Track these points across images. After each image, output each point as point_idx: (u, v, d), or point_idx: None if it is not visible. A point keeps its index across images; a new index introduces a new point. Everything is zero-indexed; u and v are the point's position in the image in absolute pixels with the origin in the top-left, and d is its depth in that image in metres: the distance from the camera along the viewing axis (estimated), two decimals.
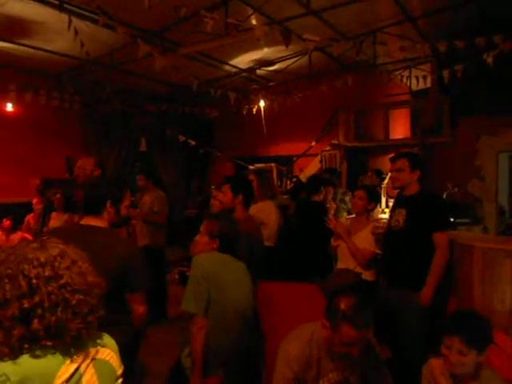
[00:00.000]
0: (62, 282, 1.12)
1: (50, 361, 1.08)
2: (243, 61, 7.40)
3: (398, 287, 2.84)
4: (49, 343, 1.07)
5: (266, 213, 3.52)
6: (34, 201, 5.89)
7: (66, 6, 4.30)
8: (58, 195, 5.22)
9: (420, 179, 2.92)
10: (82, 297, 1.15)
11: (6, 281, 1.09)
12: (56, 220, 5.26)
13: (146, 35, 5.62)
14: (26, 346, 1.06)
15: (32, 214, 5.88)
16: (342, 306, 1.78)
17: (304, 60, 7.04)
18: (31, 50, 6.32)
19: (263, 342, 2.32)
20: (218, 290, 2.05)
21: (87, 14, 4.70)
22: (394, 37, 5.63)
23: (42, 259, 1.13)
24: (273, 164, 7.30)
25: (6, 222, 6.13)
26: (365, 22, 5.88)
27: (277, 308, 2.48)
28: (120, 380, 1.27)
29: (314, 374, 1.83)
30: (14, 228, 6.27)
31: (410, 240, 2.78)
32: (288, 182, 7.33)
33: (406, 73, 6.93)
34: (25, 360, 1.05)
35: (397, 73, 7.08)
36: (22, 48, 6.17)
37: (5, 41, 5.86)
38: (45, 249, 1.17)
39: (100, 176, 2.65)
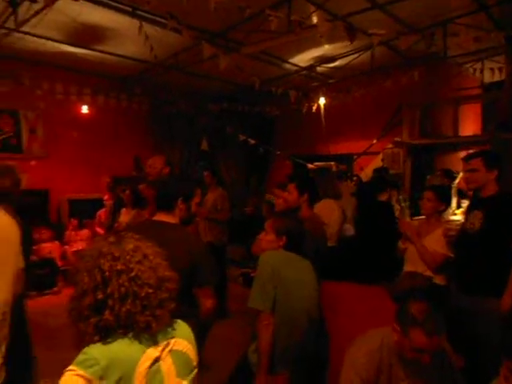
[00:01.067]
0: (131, 275, 1.18)
1: (132, 348, 1.13)
2: (303, 58, 7.34)
3: (472, 293, 2.67)
4: (120, 331, 1.13)
5: (327, 212, 3.46)
6: (105, 197, 6.28)
7: (137, 12, 4.50)
8: (126, 192, 5.53)
9: (498, 179, 2.72)
10: (151, 290, 1.19)
11: (85, 274, 1.17)
12: (125, 215, 5.56)
13: (210, 36, 5.77)
14: (101, 334, 1.13)
15: (103, 210, 6.28)
16: (413, 311, 1.72)
17: (366, 56, 6.84)
18: (104, 55, 6.71)
19: (328, 342, 2.29)
20: (285, 288, 2.05)
21: (156, 18, 4.91)
22: (467, 27, 5.29)
23: (116, 254, 1.19)
24: (332, 163, 7.18)
25: (74, 222, 6.60)
26: (433, 13, 5.58)
27: (342, 309, 2.43)
28: (195, 371, 1.30)
29: (384, 382, 1.77)
30: (80, 225, 6.75)
31: (488, 243, 2.60)
32: (348, 182, 7.17)
33: (478, 65, 6.49)
34: (112, 346, 1.11)
35: (468, 65, 6.66)
36: (95, 53, 6.58)
37: (81, 47, 6.28)
38: (120, 244, 1.24)
39: (171, 174, 2.75)
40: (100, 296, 1.14)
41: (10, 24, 4.98)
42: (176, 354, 1.23)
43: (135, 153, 8.07)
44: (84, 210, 6.70)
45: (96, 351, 1.10)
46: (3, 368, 1.52)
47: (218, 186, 5.27)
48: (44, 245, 6.19)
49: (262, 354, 2.03)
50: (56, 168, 6.97)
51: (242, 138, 7.72)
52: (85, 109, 7.25)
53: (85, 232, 6.65)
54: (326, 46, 6.80)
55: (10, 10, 4.55)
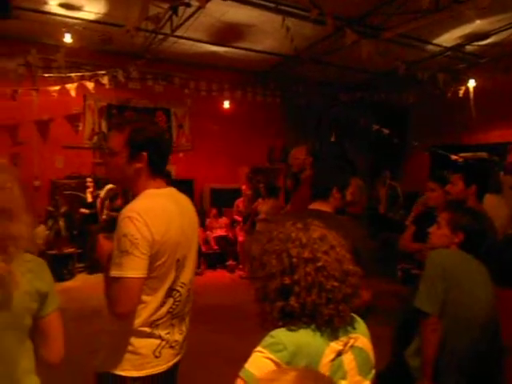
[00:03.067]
0: (318, 264, 1.14)
1: (317, 340, 1.11)
2: (449, 38, 6.63)
3: None
4: (304, 320, 1.11)
5: (492, 208, 3.06)
6: (243, 187, 6.63)
7: (280, 7, 4.58)
8: (261, 184, 5.80)
9: None
10: (336, 283, 1.15)
11: (274, 256, 1.17)
12: (263, 205, 5.80)
13: (348, 23, 5.59)
14: (285, 319, 1.12)
15: (241, 199, 6.64)
16: None
17: None
18: (242, 52, 7.03)
19: (504, 357, 2.01)
20: (457, 292, 1.86)
21: (297, 11, 4.94)
22: None
23: (304, 240, 1.17)
24: (484, 153, 6.37)
25: (213, 210, 7.08)
26: None
27: None
28: (373, 371, 1.24)
29: None
30: (220, 213, 7.20)
31: None
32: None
33: None
34: (298, 334, 1.11)
35: None
36: (235, 50, 6.94)
37: (223, 45, 6.68)
38: (307, 230, 1.21)
39: (324, 163, 2.71)
40: (287, 281, 1.14)
41: (166, 29, 5.52)
42: (357, 351, 1.19)
43: (269, 144, 8.35)
44: (223, 199, 7.17)
45: (283, 336, 1.11)
46: (185, 343, 1.67)
47: (355, 177, 5.10)
48: None
49: (427, 361, 1.87)
50: (199, 159, 7.60)
51: (375, 128, 7.37)
52: (225, 104, 7.73)
53: (223, 220, 7.14)
54: (478, 22, 6.04)
55: (167, 17, 5.03)
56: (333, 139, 8.03)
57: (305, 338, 1.12)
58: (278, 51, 6.91)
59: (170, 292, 1.53)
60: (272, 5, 4.59)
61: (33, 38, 5.87)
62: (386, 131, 7.33)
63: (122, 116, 6.37)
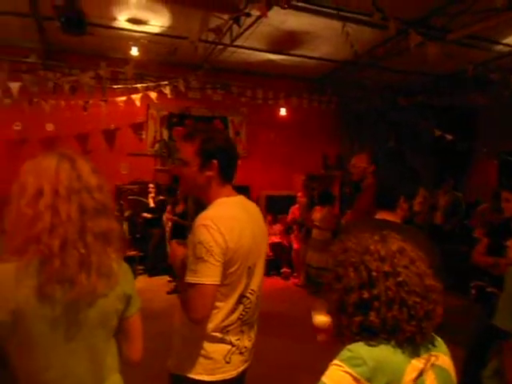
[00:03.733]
0: (399, 279, 1.10)
1: (398, 357, 1.07)
2: None
3: None
4: (384, 336, 1.07)
5: None
6: (299, 194, 6.60)
7: (341, 13, 4.53)
8: (315, 190, 5.75)
9: None
10: (418, 299, 1.10)
11: (351, 269, 1.14)
12: (318, 212, 5.74)
13: (410, 26, 5.42)
14: (363, 334, 1.09)
15: (296, 206, 6.61)
16: None
17: None
18: (297, 59, 7.03)
19: None
20: None
21: (356, 16, 4.86)
22: None
23: (382, 253, 1.13)
24: None
25: (268, 217, 7.09)
26: None
27: None
28: None
29: None
30: (274, 220, 7.21)
31: None
32: None
33: None
34: (378, 350, 1.07)
35: None
36: (291, 58, 6.96)
37: (280, 53, 6.73)
38: (385, 243, 1.17)
39: (391, 171, 2.62)
40: (366, 295, 1.11)
41: (225, 40, 5.64)
42: (438, 370, 1.13)
43: (324, 151, 8.27)
44: (278, 206, 7.19)
45: (362, 351, 1.08)
46: (252, 351, 1.68)
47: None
48: None
49: None
50: (255, 166, 7.68)
51: (437, 133, 7.04)
52: (282, 111, 7.76)
53: (278, 226, 7.14)
54: None
55: (227, 27, 5.15)
56: (391, 145, 7.78)
57: (385, 353, 1.08)
58: (334, 57, 6.84)
59: (240, 299, 1.56)
60: (334, 11, 4.55)
61: (102, 52, 6.27)
62: (450, 137, 6.98)
63: (191, 127, 6.60)
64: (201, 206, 4.88)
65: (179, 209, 5.65)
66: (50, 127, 6.38)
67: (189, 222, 5.41)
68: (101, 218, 1.18)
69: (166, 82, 6.04)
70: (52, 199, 1.11)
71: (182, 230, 5.43)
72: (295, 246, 6.52)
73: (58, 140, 6.40)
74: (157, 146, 7.02)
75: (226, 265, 1.46)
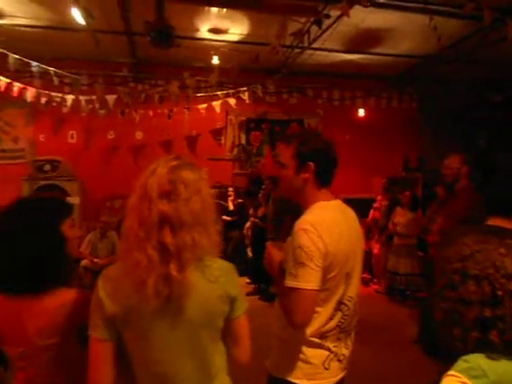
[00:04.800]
0: None
1: None
2: None
3: None
4: (505, 352, 0.98)
5: None
6: (379, 197, 6.36)
7: (428, 6, 4.31)
8: (406, 193, 5.48)
9: None
10: None
11: (472, 282, 1.05)
12: (401, 216, 5.48)
13: (503, 15, 4.98)
14: (479, 348, 1.00)
15: (376, 210, 6.37)
16: None
17: None
18: (375, 57, 6.80)
19: None
20: None
21: (443, 9, 4.59)
22: None
23: (510, 270, 1.03)
24: None
25: None
26: None
27: None
28: None
29: None
30: None
31: None
32: None
33: None
34: (502, 364, 0.99)
35: None
36: (370, 56, 6.75)
37: (358, 53, 6.56)
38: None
39: (508, 175, 2.38)
40: (488, 314, 1.02)
41: (303, 42, 5.63)
42: None
43: (405, 152, 7.90)
44: (356, 209, 6.94)
45: (482, 362, 1.00)
46: (348, 359, 1.64)
47: None
48: None
49: None
50: None
51: None
52: (360, 112, 7.57)
53: None
54: None
55: (305, 30, 5.14)
56: (481, 145, 7.21)
57: (509, 369, 1.00)
58: (415, 53, 6.51)
59: (338, 305, 1.53)
60: (420, 5, 4.34)
61: (185, 62, 6.60)
62: None
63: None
64: (282, 209, 4.91)
65: (261, 212, 5.73)
66: (139, 135, 6.85)
67: (268, 224, 5.46)
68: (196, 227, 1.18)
69: (244, 88, 6.18)
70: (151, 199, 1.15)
71: (262, 233, 5.50)
72: (375, 251, 6.28)
73: (145, 147, 6.87)
74: (235, 150, 7.22)
75: (326, 270, 1.45)
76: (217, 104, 6.29)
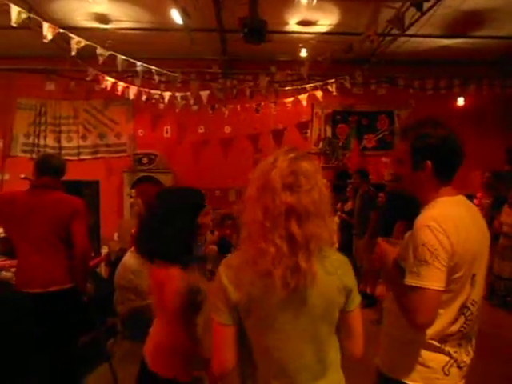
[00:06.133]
0: None
1: None
2: None
3: None
4: None
5: None
6: (478, 194, 5.84)
7: None
8: (501, 190, 4.98)
9: None
10: None
11: None
12: (508, 216, 5.00)
13: None
14: None
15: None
16: None
17: None
18: (478, 41, 6.26)
19: None
20: None
21: None
22: None
23: None
24: None
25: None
26: None
27: None
28: None
29: None
30: None
31: None
32: None
33: None
34: None
35: None
36: (470, 41, 6.23)
37: (456, 37, 6.09)
38: None
39: None
40: None
41: (395, 30, 5.34)
42: None
43: (506, 144, 7.17)
44: None
45: None
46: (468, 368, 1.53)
47: None
48: None
49: None
50: None
51: None
52: (460, 101, 7.04)
53: None
54: None
55: (400, 16, 4.87)
56: None
57: None
58: None
59: (462, 309, 1.44)
60: None
61: (272, 56, 6.63)
62: None
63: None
64: (369, 204, 4.77)
65: (348, 206, 5.60)
66: (227, 129, 7.07)
67: (355, 219, 5.32)
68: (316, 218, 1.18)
69: (332, 80, 6.06)
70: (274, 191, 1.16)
71: (349, 229, 5.38)
72: None
73: (233, 140, 7.07)
74: (321, 144, 7.12)
75: (451, 270, 1.36)
76: (303, 97, 6.24)
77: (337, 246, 5.26)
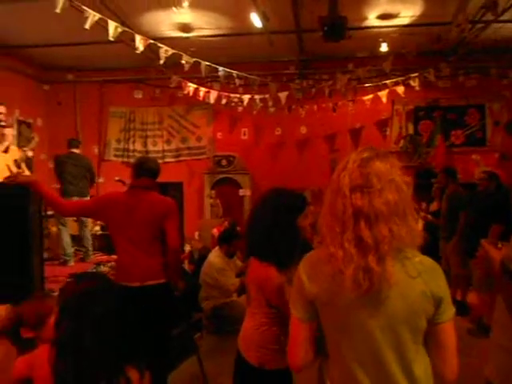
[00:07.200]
0: None
1: None
2: None
3: None
4: None
5: None
6: None
7: None
8: None
9: None
10: None
11: None
12: None
13: None
14: None
15: None
16: None
17: None
18: None
19: None
20: None
21: None
22: None
23: None
24: None
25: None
26: None
27: None
28: None
29: None
30: None
31: None
32: None
33: None
34: None
35: None
36: None
37: None
38: None
39: None
40: None
41: (487, 16, 4.92)
42: None
43: None
44: None
45: None
46: None
47: None
48: None
49: None
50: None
51: None
52: None
53: None
54: None
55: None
56: None
57: None
58: None
59: None
60: None
61: (348, 53, 6.47)
62: None
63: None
64: (458, 205, 4.44)
65: (433, 207, 5.28)
66: (303, 130, 7.05)
67: (442, 221, 5.00)
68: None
69: (415, 74, 5.75)
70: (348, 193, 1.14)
71: (435, 230, 5.07)
72: None
73: (309, 141, 7.04)
74: (402, 141, 6.79)
75: None
76: (383, 94, 6.01)
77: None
